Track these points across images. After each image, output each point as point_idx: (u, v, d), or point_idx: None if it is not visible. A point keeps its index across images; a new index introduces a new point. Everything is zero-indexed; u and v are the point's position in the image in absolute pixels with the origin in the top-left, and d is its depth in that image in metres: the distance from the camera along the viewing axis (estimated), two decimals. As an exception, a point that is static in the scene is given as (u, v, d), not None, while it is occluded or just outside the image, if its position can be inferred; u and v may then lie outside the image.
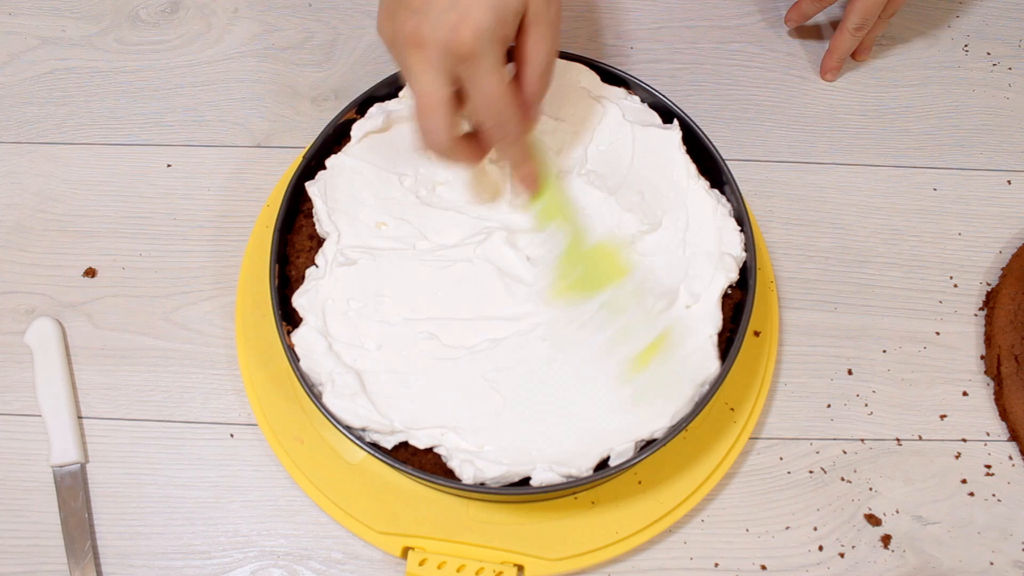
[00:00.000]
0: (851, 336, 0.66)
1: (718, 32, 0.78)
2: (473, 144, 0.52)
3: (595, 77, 0.62)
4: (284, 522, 0.59)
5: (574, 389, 0.53)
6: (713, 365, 0.53)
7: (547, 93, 0.52)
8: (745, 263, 0.57)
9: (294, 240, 0.59)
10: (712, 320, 0.54)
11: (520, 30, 0.49)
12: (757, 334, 0.63)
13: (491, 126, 0.50)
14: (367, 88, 0.62)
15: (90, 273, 0.67)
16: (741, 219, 0.58)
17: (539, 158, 0.54)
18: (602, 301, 0.54)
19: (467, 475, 0.50)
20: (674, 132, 0.60)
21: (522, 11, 0.48)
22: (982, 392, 0.65)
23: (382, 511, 0.57)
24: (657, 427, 0.52)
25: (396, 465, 0.51)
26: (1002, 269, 0.68)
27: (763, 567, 0.59)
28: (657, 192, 0.58)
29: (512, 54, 0.51)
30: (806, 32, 0.78)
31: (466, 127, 0.53)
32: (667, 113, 0.62)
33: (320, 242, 0.58)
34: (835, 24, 0.78)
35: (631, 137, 0.60)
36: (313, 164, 0.60)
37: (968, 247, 0.70)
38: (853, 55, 0.76)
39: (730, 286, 0.56)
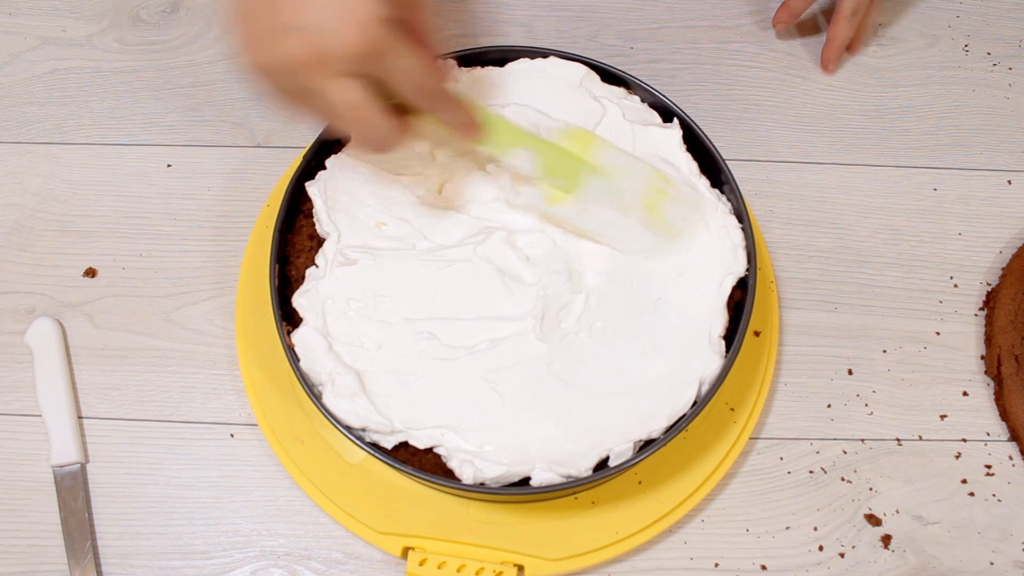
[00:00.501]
0: (851, 336, 0.66)
1: (718, 32, 0.78)
2: (402, 119, 0.50)
3: (595, 77, 0.62)
4: (284, 522, 0.59)
5: (574, 389, 0.53)
6: (715, 364, 0.53)
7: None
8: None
9: (294, 240, 0.59)
10: (719, 319, 0.55)
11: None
12: (757, 334, 0.63)
13: (417, 99, 0.48)
14: (367, 88, 0.61)
15: (90, 273, 0.67)
16: (741, 218, 0.58)
17: (468, 102, 0.53)
18: (591, 192, 0.55)
19: (467, 475, 0.50)
20: (674, 131, 0.60)
21: None
22: (982, 392, 0.65)
23: (382, 511, 0.57)
24: (656, 427, 0.52)
25: (396, 465, 0.51)
26: (1002, 269, 0.68)
27: (763, 567, 0.59)
28: None
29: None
30: (806, 31, 0.78)
31: None
32: (667, 113, 0.62)
33: (320, 242, 0.58)
34: (828, 15, 0.78)
35: (631, 136, 0.60)
36: (313, 164, 0.60)
37: (968, 247, 0.70)
38: (849, 47, 0.76)
39: (730, 286, 0.56)
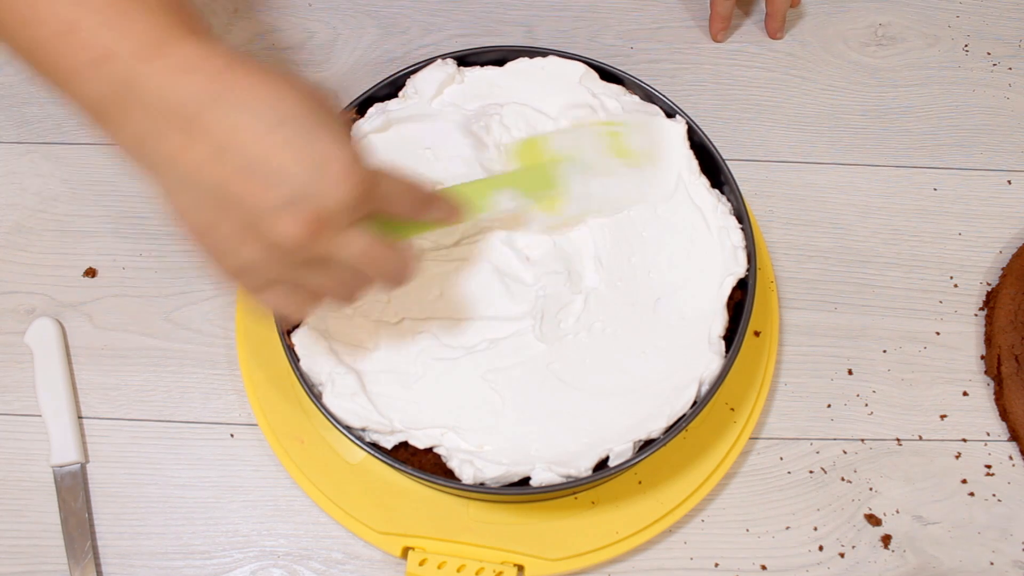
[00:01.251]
0: (851, 336, 0.66)
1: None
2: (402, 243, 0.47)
3: (594, 76, 0.63)
4: (284, 522, 0.59)
5: (573, 389, 0.53)
6: (715, 364, 0.53)
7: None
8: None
9: (294, 240, 0.59)
10: (719, 319, 0.55)
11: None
12: (757, 334, 0.63)
13: (414, 212, 0.45)
14: (367, 88, 0.62)
15: (90, 273, 0.67)
16: (741, 218, 0.58)
17: (441, 192, 0.50)
18: (577, 179, 0.56)
19: (467, 475, 0.50)
20: (679, 125, 0.60)
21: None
22: (982, 392, 0.65)
23: (382, 511, 0.57)
24: (656, 427, 0.52)
25: (396, 465, 0.51)
26: (1002, 269, 0.68)
27: (763, 567, 0.59)
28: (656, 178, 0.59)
29: None
30: (806, 31, 0.78)
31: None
32: (666, 112, 0.62)
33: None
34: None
35: None
36: (313, 164, 0.59)
37: (968, 247, 0.70)
38: (770, 33, 0.78)
39: (730, 286, 0.56)
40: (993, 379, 0.65)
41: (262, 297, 0.43)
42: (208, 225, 0.41)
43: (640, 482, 0.59)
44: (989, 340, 0.65)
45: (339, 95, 0.73)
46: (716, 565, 0.59)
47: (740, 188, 0.58)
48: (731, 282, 0.56)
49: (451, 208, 0.48)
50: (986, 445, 0.63)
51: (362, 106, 0.61)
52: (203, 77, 0.39)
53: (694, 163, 0.59)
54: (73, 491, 0.59)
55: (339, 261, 0.42)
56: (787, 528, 0.60)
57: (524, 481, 0.51)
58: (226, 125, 0.39)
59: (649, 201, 0.58)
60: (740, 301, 0.56)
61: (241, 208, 0.39)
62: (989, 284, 0.68)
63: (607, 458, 0.51)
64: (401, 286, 0.46)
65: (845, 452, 0.62)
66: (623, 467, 0.51)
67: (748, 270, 0.56)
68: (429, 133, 0.60)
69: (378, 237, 0.42)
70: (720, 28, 0.76)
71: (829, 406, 0.64)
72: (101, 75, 0.40)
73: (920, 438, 0.63)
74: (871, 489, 0.61)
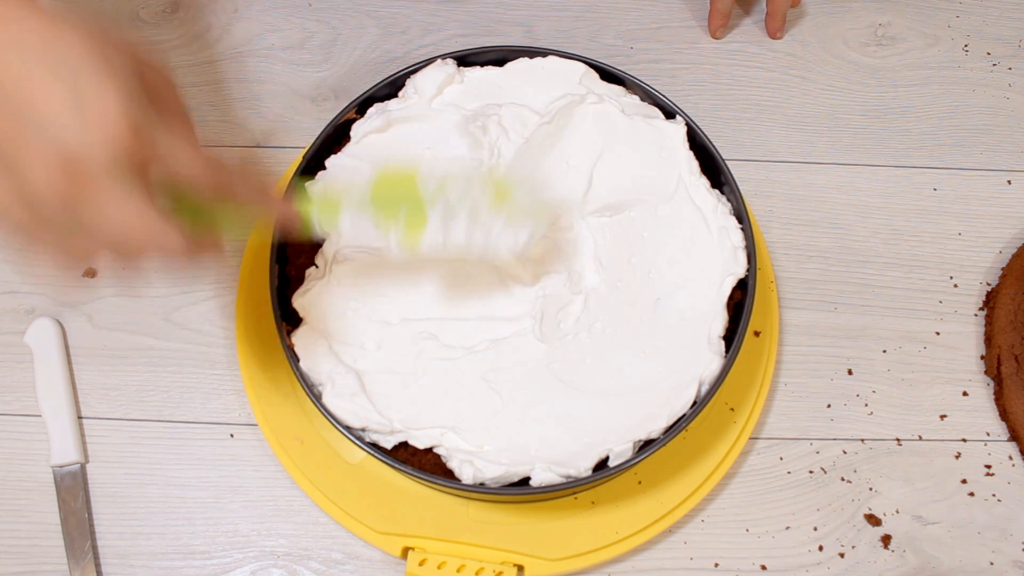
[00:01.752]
0: (851, 336, 0.66)
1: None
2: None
3: (594, 75, 0.63)
4: (284, 522, 0.59)
5: (573, 389, 0.53)
6: (715, 364, 0.53)
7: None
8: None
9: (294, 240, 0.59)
10: (719, 319, 0.55)
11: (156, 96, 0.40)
12: (757, 334, 0.63)
13: (205, 195, 0.41)
14: (367, 88, 0.62)
15: (90, 273, 0.67)
16: (741, 219, 0.58)
17: (254, 179, 0.46)
18: (438, 221, 0.51)
19: (467, 475, 0.50)
20: (679, 126, 0.60)
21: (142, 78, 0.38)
22: (982, 392, 0.65)
23: (382, 511, 0.57)
24: (656, 427, 0.52)
25: (396, 465, 0.51)
26: (1002, 269, 0.68)
27: (763, 567, 0.59)
28: (656, 180, 0.59)
29: None
30: (806, 31, 0.78)
31: None
32: (667, 113, 0.62)
33: (320, 242, 0.58)
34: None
35: (633, 131, 0.60)
36: (313, 164, 0.60)
37: (968, 247, 0.70)
38: (770, 33, 0.77)
39: (730, 286, 0.56)
40: (993, 379, 0.65)
41: (26, 246, 0.39)
42: None
43: (640, 482, 0.59)
44: (989, 340, 0.65)
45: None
46: (716, 565, 0.59)
47: (740, 188, 0.58)
48: (731, 282, 0.56)
49: (260, 194, 0.44)
50: (986, 445, 0.63)
51: (362, 106, 0.62)
52: None
53: (694, 163, 0.59)
54: (73, 491, 0.59)
55: (98, 223, 0.38)
56: (787, 528, 0.60)
57: (524, 481, 0.51)
58: None
59: (649, 202, 0.58)
60: (740, 301, 0.56)
61: None
62: (989, 284, 0.68)
63: (607, 458, 0.51)
64: (179, 265, 0.41)
65: (845, 452, 0.62)
66: (623, 467, 0.51)
67: (748, 270, 0.56)
68: (429, 133, 0.60)
69: (147, 204, 0.38)
70: (719, 25, 0.76)
71: (829, 406, 0.64)
72: None
73: (920, 438, 0.63)
74: (871, 489, 0.61)
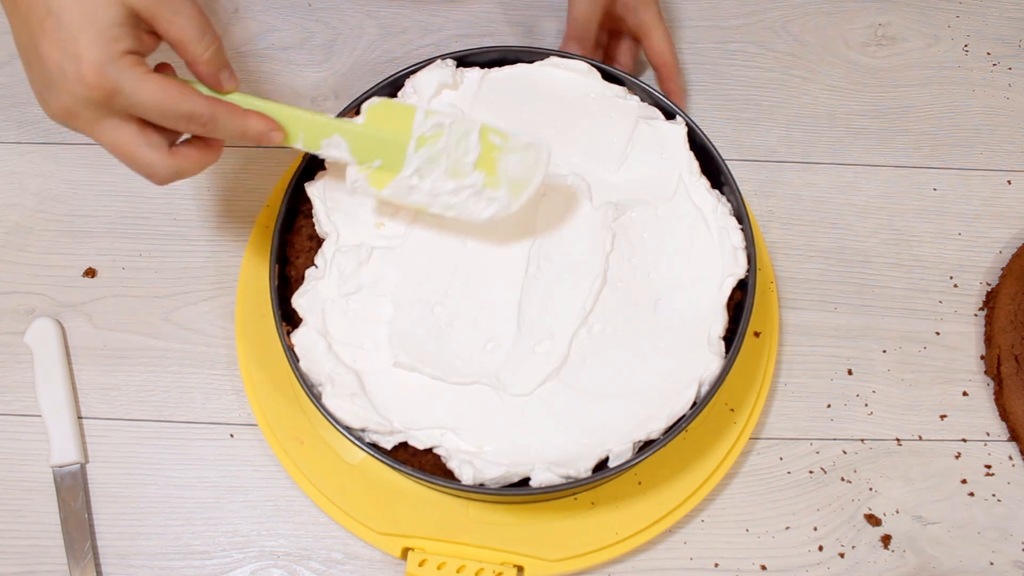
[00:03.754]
0: (851, 336, 0.66)
1: (718, 32, 0.78)
2: (198, 144, 0.50)
3: (596, 75, 0.62)
4: (284, 522, 0.59)
5: (573, 390, 0.53)
6: (715, 365, 0.53)
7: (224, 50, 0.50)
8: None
9: (294, 240, 0.59)
10: (719, 320, 0.54)
11: (153, 22, 0.47)
12: (757, 334, 0.63)
13: (179, 126, 0.48)
14: (367, 88, 0.62)
15: (90, 273, 0.67)
16: (741, 219, 0.58)
17: (258, 105, 0.51)
18: (415, 167, 0.52)
19: (466, 476, 0.50)
20: (680, 127, 0.60)
21: (131, 14, 0.46)
22: (982, 392, 0.65)
23: (382, 511, 0.57)
24: (656, 428, 0.52)
25: (396, 466, 0.51)
26: (1002, 269, 0.68)
27: (763, 567, 0.59)
28: (656, 180, 0.59)
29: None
30: (806, 31, 0.78)
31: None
32: (667, 113, 0.62)
33: (320, 242, 0.58)
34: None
35: (633, 130, 0.60)
36: (313, 164, 0.60)
37: (968, 247, 0.70)
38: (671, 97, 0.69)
39: (730, 286, 0.56)
40: (993, 379, 0.65)
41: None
42: (27, 68, 0.48)
43: (640, 482, 0.59)
44: (989, 340, 0.65)
45: (338, 94, 0.73)
46: (716, 565, 0.59)
47: (740, 188, 0.58)
48: (731, 283, 0.56)
49: (260, 126, 0.50)
50: (986, 445, 0.63)
51: (362, 106, 0.61)
52: None
53: (694, 164, 0.59)
54: (73, 491, 0.59)
55: (102, 145, 0.48)
56: (787, 528, 0.60)
57: (524, 482, 0.51)
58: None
59: (649, 203, 0.58)
60: (740, 301, 0.56)
61: (37, 70, 0.47)
62: (989, 284, 0.68)
63: (607, 459, 0.51)
64: (161, 184, 0.50)
65: (845, 452, 0.62)
66: (623, 468, 0.51)
67: (748, 271, 0.56)
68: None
69: (135, 136, 0.47)
70: (672, 89, 0.71)
71: (829, 406, 0.64)
72: None
73: (920, 438, 0.63)
74: (871, 489, 0.61)
